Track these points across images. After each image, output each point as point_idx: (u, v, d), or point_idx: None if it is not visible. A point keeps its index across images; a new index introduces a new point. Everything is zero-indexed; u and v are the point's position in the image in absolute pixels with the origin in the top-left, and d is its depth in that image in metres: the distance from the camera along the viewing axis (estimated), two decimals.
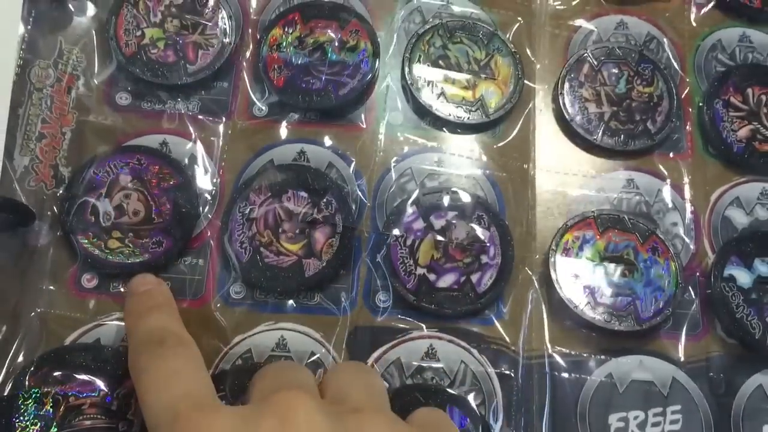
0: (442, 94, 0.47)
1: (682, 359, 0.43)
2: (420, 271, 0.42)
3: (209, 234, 0.44)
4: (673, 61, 0.51)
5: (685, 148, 0.48)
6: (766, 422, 0.42)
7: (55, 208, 0.43)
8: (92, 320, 0.41)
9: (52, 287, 0.42)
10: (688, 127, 0.49)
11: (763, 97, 0.50)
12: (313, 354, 0.41)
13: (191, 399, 0.31)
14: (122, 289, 0.42)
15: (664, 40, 0.51)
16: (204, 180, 0.45)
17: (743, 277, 0.44)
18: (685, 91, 0.50)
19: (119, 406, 0.38)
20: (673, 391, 0.42)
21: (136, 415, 0.38)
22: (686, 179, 0.47)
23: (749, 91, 0.50)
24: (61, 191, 0.43)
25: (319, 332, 0.42)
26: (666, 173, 0.47)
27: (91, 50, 0.47)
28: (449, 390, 0.40)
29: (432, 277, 0.42)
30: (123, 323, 0.41)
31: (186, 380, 0.32)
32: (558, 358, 0.42)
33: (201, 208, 0.44)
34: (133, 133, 0.46)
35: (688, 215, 0.46)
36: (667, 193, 0.47)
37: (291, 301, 0.42)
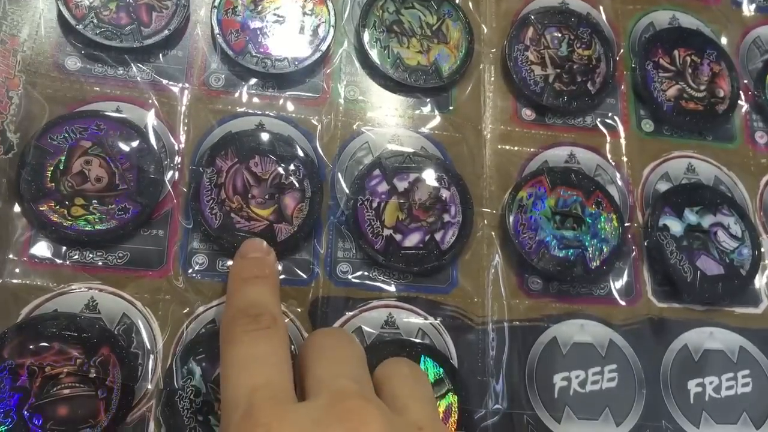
0: (398, 58, 0.48)
1: (618, 323, 0.46)
2: (386, 232, 0.44)
3: (173, 201, 0.44)
4: (607, 29, 0.54)
5: (620, 111, 0.52)
6: (691, 378, 0.46)
7: (5, 175, 0.42)
8: (49, 291, 0.41)
9: (3, 257, 0.41)
10: (622, 88, 0.53)
11: (688, 59, 0.54)
12: None
13: (270, 390, 0.32)
14: (76, 258, 0.41)
15: (603, 16, 0.55)
16: (163, 147, 0.44)
17: (675, 226, 0.48)
18: (619, 55, 0.53)
19: (97, 374, 0.39)
20: (610, 351, 0.45)
21: (114, 382, 0.39)
22: (623, 155, 0.51)
23: (676, 52, 0.54)
24: (10, 157, 0.42)
25: (282, 303, 0.42)
26: (604, 149, 0.51)
27: (39, 12, 0.46)
28: (422, 342, 0.43)
29: (398, 237, 0.44)
30: (80, 292, 0.41)
31: (270, 368, 0.33)
32: (510, 324, 0.45)
33: (163, 175, 0.44)
34: (85, 98, 0.45)
35: (624, 188, 0.50)
36: (604, 167, 0.50)
37: None
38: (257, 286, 0.37)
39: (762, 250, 0.49)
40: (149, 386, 0.40)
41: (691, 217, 0.49)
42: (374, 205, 0.44)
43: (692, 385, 0.45)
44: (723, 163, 0.52)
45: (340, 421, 0.30)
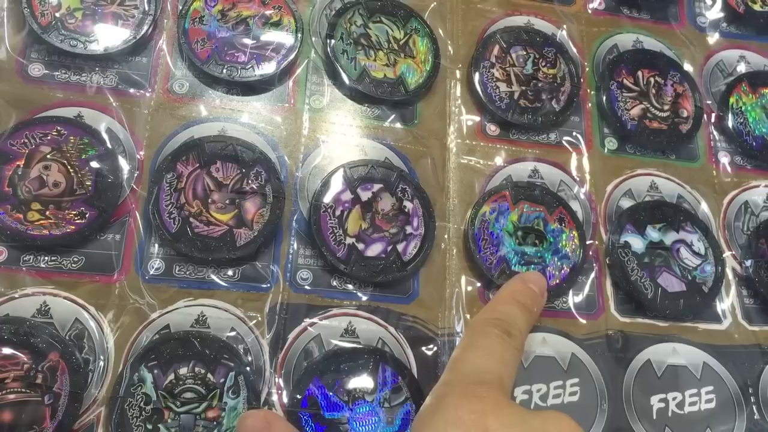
0: (365, 70, 0.48)
1: (581, 337, 0.46)
2: (349, 240, 0.43)
3: (131, 207, 0.43)
4: (572, 50, 0.55)
5: (584, 129, 0.52)
6: (654, 393, 0.45)
7: None
8: (1, 295, 0.40)
9: None
10: (587, 107, 0.53)
11: (652, 80, 0.54)
12: (233, 331, 0.41)
13: (501, 380, 0.36)
14: (30, 262, 0.41)
15: (567, 38, 0.55)
16: (124, 152, 0.44)
17: (637, 243, 0.48)
18: (583, 74, 0.54)
19: (44, 379, 0.38)
20: (572, 365, 0.45)
21: (62, 388, 0.38)
22: (587, 171, 0.51)
23: (639, 73, 0.54)
24: None
25: (240, 309, 0.42)
26: (567, 165, 0.51)
27: (1, 18, 0.45)
28: (382, 349, 0.42)
29: (361, 246, 0.44)
30: (32, 297, 0.40)
31: (504, 367, 0.37)
32: None
33: (122, 180, 0.43)
34: (46, 104, 0.44)
35: (587, 204, 0.50)
36: (568, 183, 0.50)
37: (213, 277, 0.42)
38: (523, 314, 0.40)
39: (725, 267, 0.49)
40: (99, 393, 0.39)
41: (653, 234, 0.49)
42: (337, 213, 0.44)
43: (655, 401, 0.45)
44: (686, 181, 0.52)
45: (546, 421, 0.33)
